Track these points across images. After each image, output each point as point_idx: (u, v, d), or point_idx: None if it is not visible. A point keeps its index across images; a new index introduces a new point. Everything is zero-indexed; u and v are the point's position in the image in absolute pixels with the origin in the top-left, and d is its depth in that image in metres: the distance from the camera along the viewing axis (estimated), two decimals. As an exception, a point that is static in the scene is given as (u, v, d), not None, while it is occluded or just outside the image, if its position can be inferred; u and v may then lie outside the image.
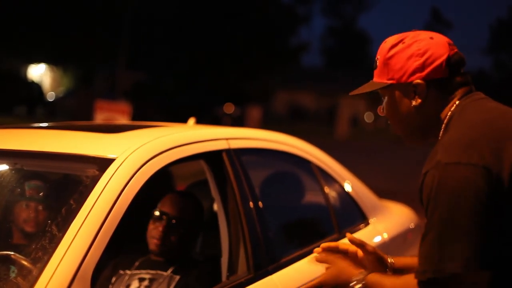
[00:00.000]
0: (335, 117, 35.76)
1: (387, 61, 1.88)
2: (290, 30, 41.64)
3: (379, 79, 1.92)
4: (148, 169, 2.41)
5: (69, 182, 2.52)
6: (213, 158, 2.87)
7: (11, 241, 2.52)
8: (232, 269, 2.74)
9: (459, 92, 1.85)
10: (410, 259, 2.02)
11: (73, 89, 31.54)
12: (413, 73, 1.84)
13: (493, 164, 1.62)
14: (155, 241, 2.86)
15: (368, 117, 54.23)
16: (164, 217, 2.87)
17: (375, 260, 2.03)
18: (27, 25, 27.08)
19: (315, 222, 3.76)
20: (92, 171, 2.33)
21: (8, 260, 2.14)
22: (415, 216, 4.27)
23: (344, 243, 2.10)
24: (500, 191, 1.61)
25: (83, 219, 2.11)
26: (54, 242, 2.07)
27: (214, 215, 3.12)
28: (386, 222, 3.80)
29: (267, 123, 28.66)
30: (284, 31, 39.98)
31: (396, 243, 3.75)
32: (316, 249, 2.07)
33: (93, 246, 2.06)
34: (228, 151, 2.87)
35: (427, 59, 1.83)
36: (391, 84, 1.88)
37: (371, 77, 1.98)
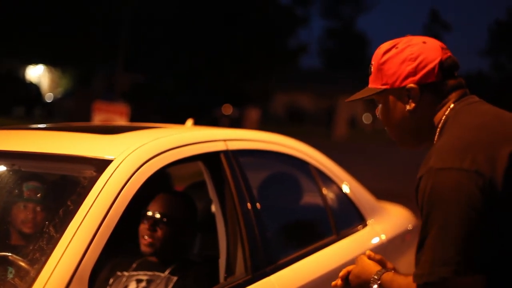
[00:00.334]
0: (333, 118, 35.76)
1: (380, 66, 1.90)
2: (289, 31, 41.66)
3: (373, 84, 1.93)
4: (146, 170, 2.41)
5: (66, 183, 2.52)
6: (211, 159, 2.87)
7: (9, 242, 2.52)
8: (230, 270, 2.74)
9: (453, 96, 1.86)
10: None
11: (72, 90, 31.48)
12: (406, 77, 1.85)
13: (486, 169, 1.62)
14: (144, 241, 2.84)
15: (366, 119, 54.24)
16: (153, 216, 2.86)
17: None
18: (26, 25, 27.06)
19: (313, 224, 3.77)
20: (90, 172, 2.33)
21: (5, 261, 2.14)
22: (413, 217, 4.27)
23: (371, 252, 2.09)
24: (493, 196, 1.61)
25: (81, 220, 2.11)
26: (52, 243, 2.07)
27: (212, 216, 3.12)
28: (384, 224, 3.80)
29: (265, 125, 28.67)
30: (283, 32, 40.01)
31: (394, 244, 3.75)
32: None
33: (90, 248, 2.06)
34: (226, 152, 2.88)
35: (419, 63, 1.84)
36: (385, 89, 1.89)
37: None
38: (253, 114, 31.40)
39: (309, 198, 3.75)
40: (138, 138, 2.65)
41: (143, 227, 2.86)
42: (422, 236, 1.66)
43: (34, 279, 1.97)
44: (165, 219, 2.85)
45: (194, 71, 35.71)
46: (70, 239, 2.06)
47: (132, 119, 13.14)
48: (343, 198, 3.68)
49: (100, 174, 2.29)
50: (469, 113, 1.80)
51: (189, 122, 3.69)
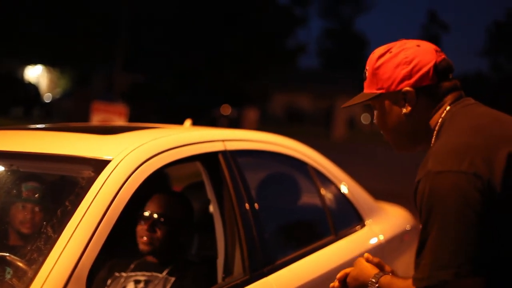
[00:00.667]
0: (331, 118, 35.77)
1: (375, 71, 1.90)
2: (288, 31, 41.66)
3: (369, 89, 1.93)
4: (144, 170, 2.41)
5: (65, 183, 2.52)
6: (209, 159, 2.87)
7: (7, 243, 2.52)
8: (228, 270, 2.74)
9: (448, 98, 1.86)
10: None
11: (70, 91, 31.46)
12: (402, 81, 1.85)
13: (483, 171, 1.62)
14: (142, 240, 2.84)
15: (364, 119, 54.29)
16: (151, 216, 2.86)
17: None
18: (26, 26, 27.05)
19: (311, 224, 3.77)
20: (88, 172, 2.33)
21: (3, 261, 2.14)
22: (411, 217, 4.28)
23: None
24: (491, 198, 1.61)
25: (79, 221, 2.11)
26: (49, 243, 2.07)
27: (210, 216, 3.12)
28: (382, 224, 3.80)
29: (264, 125, 28.68)
30: (283, 32, 40.01)
31: (392, 244, 3.75)
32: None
33: (88, 248, 2.06)
34: (224, 152, 2.88)
35: (414, 66, 1.84)
36: (380, 94, 1.89)
37: None
38: (252, 114, 31.40)
39: (307, 199, 3.75)
40: (136, 139, 2.65)
41: (141, 228, 2.86)
42: (422, 239, 1.66)
43: (32, 280, 1.97)
44: (162, 219, 2.85)
45: (193, 71, 35.69)
46: (68, 240, 2.05)
47: (131, 119, 13.13)
48: (341, 199, 3.68)
49: (98, 175, 2.29)
50: (466, 116, 1.81)
51: (188, 122, 3.69)
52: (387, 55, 1.89)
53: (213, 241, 2.88)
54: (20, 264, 2.08)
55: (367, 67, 1.94)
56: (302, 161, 3.49)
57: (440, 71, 1.85)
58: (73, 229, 2.08)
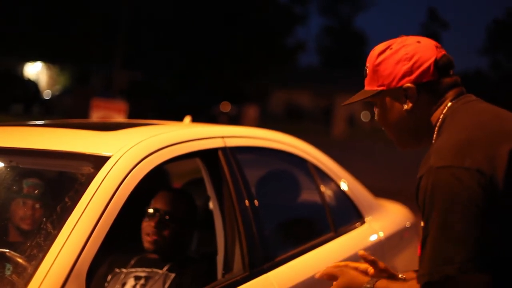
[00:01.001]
0: (331, 116, 35.77)
1: (376, 68, 1.90)
2: (287, 29, 41.64)
3: (369, 86, 1.93)
4: (143, 167, 2.41)
5: (64, 179, 2.52)
6: (209, 156, 2.87)
7: (7, 239, 2.52)
8: (227, 267, 2.74)
9: (450, 94, 1.86)
10: None
11: (70, 87, 31.44)
12: (402, 77, 1.85)
13: (486, 167, 1.62)
14: (148, 238, 2.86)
15: (364, 116, 54.24)
16: (157, 213, 2.87)
17: (386, 277, 2.02)
18: (26, 25, 27.04)
19: (311, 221, 3.77)
20: (87, 168, 2.32)
21: (3, 257, 2.14)
22: (411, 214, 4.28)
23: (353, 262, 2.07)
24: (494, 194, 1.60)
25: (78, 217, 2.11)
26: (49, 239, 2.07)
27: (210, 213, 3.12)
28: (382, 221, 3.80)
29: (263, 122, 28.64)
30: (283, 31, 39.98)
31: (392, 241, 3.75)
32: (326, 268, 2.04)
33: (88, 244, 2.06)
34: (224, 149, 2.87)
35: (415, 62, 1.84)
36: (381, 91, 1.89)
37: None
38: (252, 111, 31.41)
39: (307, 196, 3.75)
40: (136, 135, 2.65)
41: (147, 224, 2.87)
42: (425, 235, 1.66)
43: (31, 276, 1.97)
44: (168, 217, 2.86)
45: (193, 71, 35.68)
46: (67, 236, 2.05)
47: (130, 117, 13.13)
48: (341, 196, 3.68)
49: (98, 171, 2.29)
50: (467, 112, 1.80)
51: (187, 119, 3.69)
52: (388, 52, 1.89)
53: (213, 237, 2.88)
54: (20, 260, 2.08)
55: (367, 64, 1.94)
56: (302, 158, 3.49)
57: (440, 67, 1.85)
58: (73, 225, 2.08)
